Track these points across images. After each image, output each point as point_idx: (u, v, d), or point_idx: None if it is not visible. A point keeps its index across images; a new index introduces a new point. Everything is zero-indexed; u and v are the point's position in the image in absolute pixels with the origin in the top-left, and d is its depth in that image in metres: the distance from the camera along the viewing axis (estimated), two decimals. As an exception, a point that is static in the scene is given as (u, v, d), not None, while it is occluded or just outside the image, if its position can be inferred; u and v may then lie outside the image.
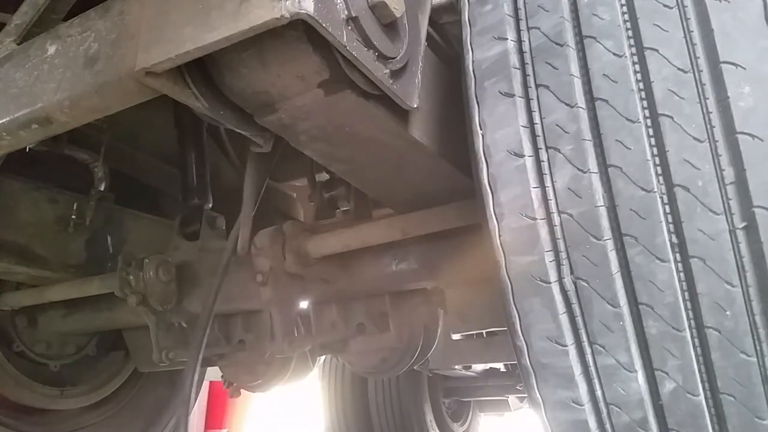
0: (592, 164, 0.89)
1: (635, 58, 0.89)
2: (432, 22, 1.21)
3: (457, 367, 3.68)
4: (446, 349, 3.08)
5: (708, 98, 0.84)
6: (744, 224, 0.80)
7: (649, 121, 0.87)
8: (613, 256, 0.87)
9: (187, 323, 2.06)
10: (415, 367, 2.29)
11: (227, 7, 0.80)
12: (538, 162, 0.94)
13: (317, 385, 4.05)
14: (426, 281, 1.80)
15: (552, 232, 0.92)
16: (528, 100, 0.96)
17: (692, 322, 0.83)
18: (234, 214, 1.66)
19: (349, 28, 0.86)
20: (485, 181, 0.97)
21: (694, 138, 0.84)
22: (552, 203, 0.92)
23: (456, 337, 2.98)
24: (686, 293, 0.83)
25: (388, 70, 0.96)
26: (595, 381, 0.90)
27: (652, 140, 0.86)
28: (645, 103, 0.87)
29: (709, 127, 0.83)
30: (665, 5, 0.90)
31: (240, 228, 1.59)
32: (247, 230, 1.61)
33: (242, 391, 2.16)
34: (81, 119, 1.06)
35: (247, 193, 1.57)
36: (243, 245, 1.62)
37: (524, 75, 0.98)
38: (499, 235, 0.95)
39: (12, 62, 1.12)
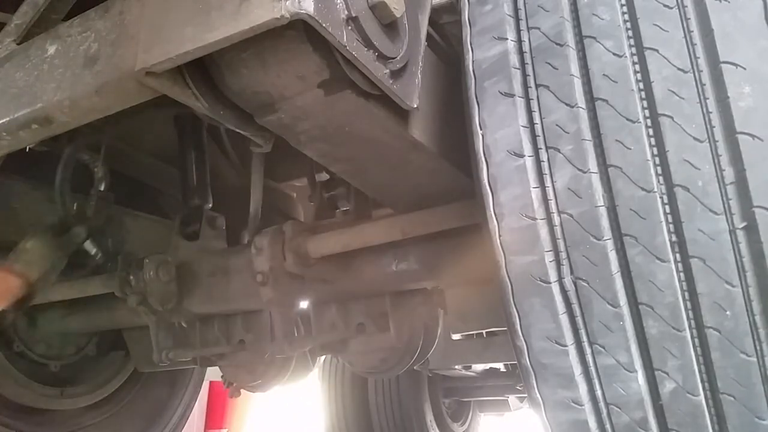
0: (592, 164, 0.89)
1: (635, 58, 0.89)
2: (432, 22, 1.21)
3: (457, 367, 3.68)
4: (446, 349, 3.08)
5: (708, 98, 0.84)
6: (744, 224, 0.80)
7: (649, 121, 0.87)
8: (613, 256, 0.87)
9: (187, 323, 2.07)
10: (415, 367, 2.29)
11: (227, 7, 0.80)
12: (538, 162, 0.94)
13: (317, 386, 4.05)
14: (426, 281, 1.80)
15: (552, 232, 0.91)
16: (528, 100, 0.96)
17: (692, 322, 0.83)
18: (234, 214, 1.66)
19: (349, 28, 0.86)
20: (485, 181, 0.97)
21: (694, 138, 0.84)
22: (552, 203, 0.92)
23: (456, 337, 2.98)
24: (686, 293, 0.83)
25: (388, 70, 0.96)
26: (595, 381, 0.90)
27: (652, 140, 0.86)
28: (645, 103, 0.87)
29: (709, 127, 0.83)
30: (665, 5, 0.90)
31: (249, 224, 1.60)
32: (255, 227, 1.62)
33: (242, 391, 2.16)
34: (81, 119, 1.06)
35: (255, 191, 1.57)
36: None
37: (524, 75, 0.98)
38: (499, 235, 0.95)
39: (12, 62, 1.12)
